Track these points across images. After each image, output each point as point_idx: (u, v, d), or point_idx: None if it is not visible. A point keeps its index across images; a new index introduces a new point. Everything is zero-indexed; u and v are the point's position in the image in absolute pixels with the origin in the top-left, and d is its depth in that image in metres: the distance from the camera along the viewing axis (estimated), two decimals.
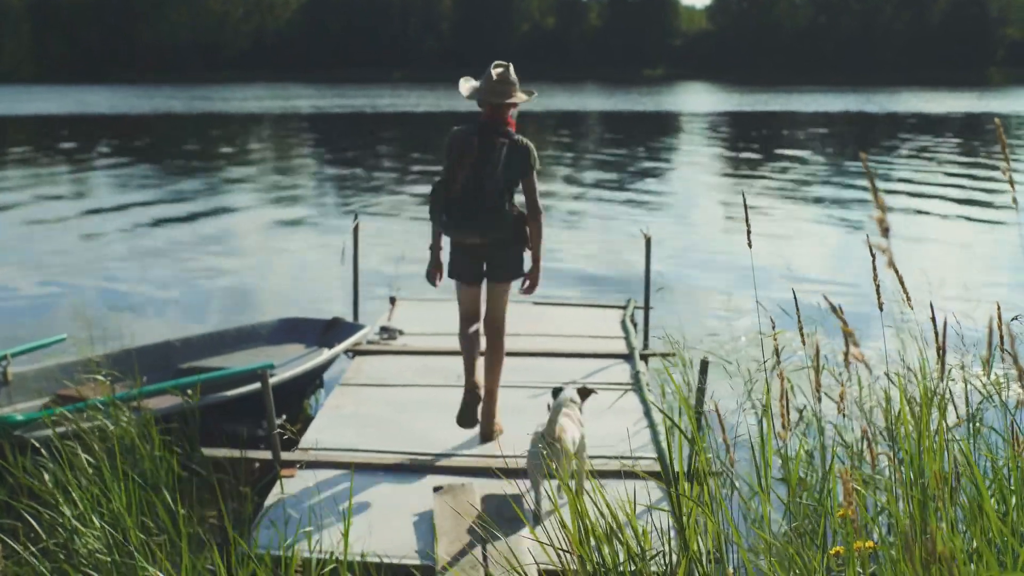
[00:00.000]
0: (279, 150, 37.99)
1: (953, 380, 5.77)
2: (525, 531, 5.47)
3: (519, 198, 7.00)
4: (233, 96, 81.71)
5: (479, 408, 7.02)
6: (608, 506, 4.05)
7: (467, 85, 7.14)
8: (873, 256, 3.26)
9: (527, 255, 7.04)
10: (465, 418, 6.89)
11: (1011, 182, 3.59)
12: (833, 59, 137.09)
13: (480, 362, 7.10)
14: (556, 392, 6.38)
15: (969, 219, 19.86)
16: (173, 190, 24.96)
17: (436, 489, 6.14)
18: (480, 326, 7.22)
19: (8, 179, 27.37)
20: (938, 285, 11.79)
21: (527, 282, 7.06)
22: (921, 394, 4.65)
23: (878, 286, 3.58)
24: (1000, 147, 3.45)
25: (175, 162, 32.73)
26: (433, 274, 7.15)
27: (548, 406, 6.09)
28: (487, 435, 7.16)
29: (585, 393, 6.42)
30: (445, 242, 7.15)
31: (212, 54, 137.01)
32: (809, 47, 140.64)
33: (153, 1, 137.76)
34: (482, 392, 6.99)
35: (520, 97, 7.05)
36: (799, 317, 4.21)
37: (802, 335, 4.26)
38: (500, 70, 6.98)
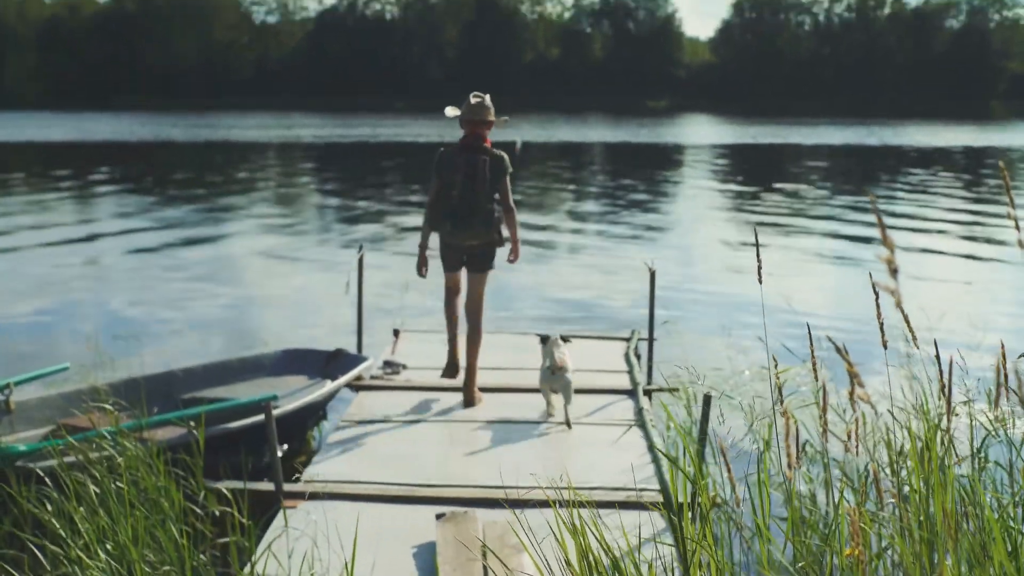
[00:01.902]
0: (283, 179, 38.05)
1: (957, 415, 5.77)
2: (527, 561, 5.47)
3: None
4: (237, 124, 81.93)
5: (458, 361, 8.95)
6: (604, 541, 4.05)
7: (452, 111, 8.83)
8: (876, 295, 3.27)
9: (499, 251, 8.78)
10: (449, 373, 9.00)
11: (1016, 225, 3.60)
12: (836, 90, 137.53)
13: (460, 341, 8.98)
14: (544, 339, 8.71)
15: (971, 255, 19.85)
16: (177, 219, 25.00)
17: (439, 518, 6.14)
18: (461, 310, 8.94)
19: (12, 206, 27.42)
20: (938, 320, 11.80)
21: (512, 256, 8.89)
22: (926, 431, 4.65)
23: (882, 324, 3.59)
24: (1004, 188, 3.46)
25: (179, 190, 32.78)
26: (421, 268, 8.83)
27: (542, 351, 8.57)
28: (469, 402, 8.69)
29: (565, 339, 8.75)
30: (432, 241, 8.74)
31: (216, 81, 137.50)
32: (812, 78, 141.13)
33: (158, 28, 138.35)
34: (461, 366, 8.88)
35: (493, 118, 8.68)
36: (812, 353, 4.21)
37: (815, 371, 4.26)
38: (477, 99, 8.65)
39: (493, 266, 8.79)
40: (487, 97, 8.69)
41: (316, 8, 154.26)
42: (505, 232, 8.75)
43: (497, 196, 8.53)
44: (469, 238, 8.50)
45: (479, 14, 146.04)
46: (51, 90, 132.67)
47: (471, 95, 8.66)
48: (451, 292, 8.93)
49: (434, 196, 8.54)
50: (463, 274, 8.87)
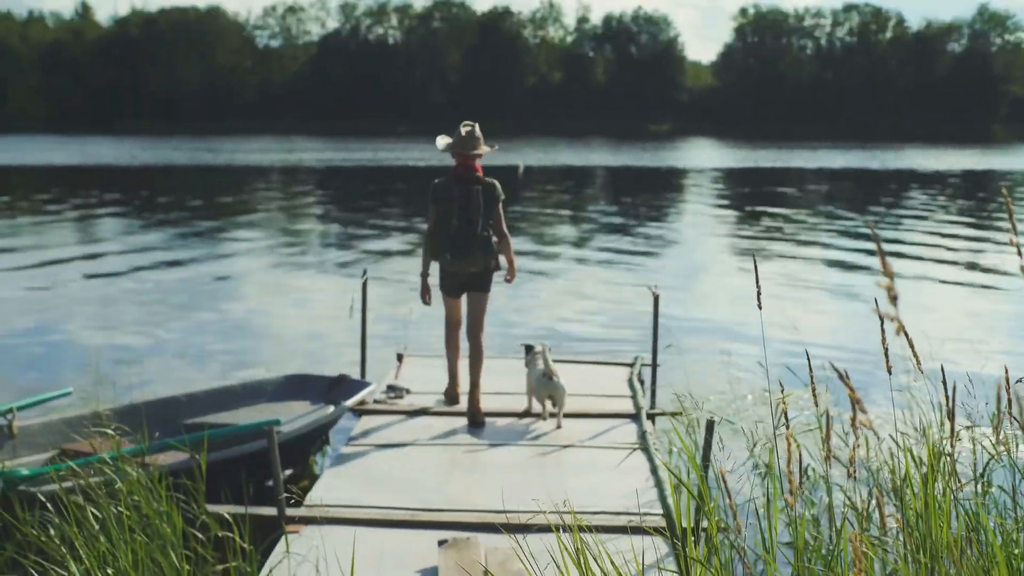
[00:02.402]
0: (286, 203, 38.11)
1: (959, 439, 5.76)
2: None
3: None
4: (239, 148, 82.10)
5: (458, 390, 9.43)
6: (612, 562, 4.04)
7: (443, 141, 9.07)
8: (881, 321, 3.27)
9: (495, 275, 9.13)
10: (450, 401, 9.44)
11: (1019, 251, 3.61)
12: (838, 114, 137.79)
13: (462, 369, 9.49)
14: (529, 348, 9.44)
15: (973, 280, 19.85)
16: (180, 243, 25.04)
17: (441, 543, 6.13)
18: (463, 332, 9.27)
19: (15, 229, 27.47)
20: (940, 345, 11.80)
21: (509, 276, 9.28)
22: (929, 455, 4.65)
23: (886, 350, 3.59)
24: (1007, 213, 3.47)
25: (182, 215, 32.83)
26: (424, 296, 9.19)
27: (526, 359, 9.32)
28: (475, 420, 8.92)
29: (548, 348, 9.25)
30: (432, 268, 9.08)
31: (219, 105, 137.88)
32: (814, 102, 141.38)
33: (161, 52, 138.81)
34: (462, 398, 9.34)
35: (484, 150, 8.95)
36: (812, 380, 4.21)
37: (815, 397, 4.26)
38: (468, 128, 8.89)
39: (490, 287, 9.11)
40: (477, 127, 8.96)
41: (319, 32, 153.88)
42: (502, 258, 9.13)
43: (492, 222, 8.89)
44: (468, 266, 8.82)
45: (482, 38, 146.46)
46: (54, 113, 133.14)
47: (462, 125, 8.95)
48: (451, 324, 9.28)
49: (432, 226, 8.85)
50: (463, 300, 9.20)
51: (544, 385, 8.81)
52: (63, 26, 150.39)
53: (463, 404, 9.34)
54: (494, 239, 8.85)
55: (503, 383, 10.10)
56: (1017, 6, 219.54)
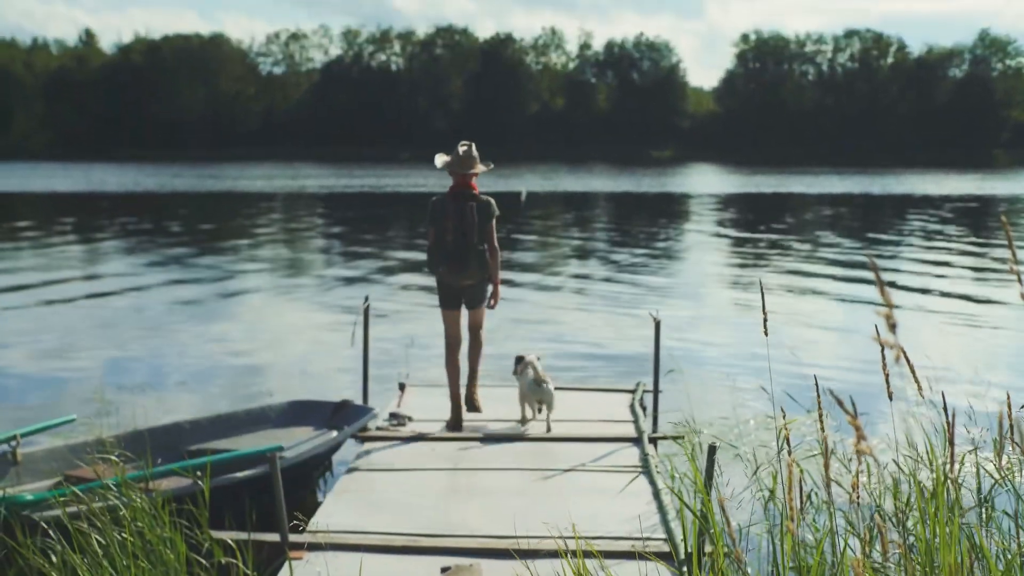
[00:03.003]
0: (288, 230, 38.18)
1: (963, 464, 5.76)
2: None
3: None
4: (242, 175, 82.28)
5: (461, 416, 9.62)
6: None
7: (441, 159, 9.61)
8: (882, 348, 3.29)
9: (489, 287, 9.58)
10: (452, 427, 9.55)
11: (1019, 278, 3.62)
12: (839, 139, 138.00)
13: (460, 386, 9.67)
14: (519, 359, 9.74)
15: (974, 305, 19.85)
16: (182, 270, 25.08)
17: (444, 570, 6.13)
18: (464, 347, 9.74)
19: (18, 257, 27.52)
20: (942, 370, 11.80)
21: (492, 301, 9.64)
22: (935, 481, 4.65)
23: (887, 376, 3.61)
24: (1007, 240, 3.49)
25: (185, 241, 32.90)
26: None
27: (515, 369, 9.71)
28: (472, 406, 9.67)
29: (539, 358, 9.77)
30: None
31: (222, 132, 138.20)
32: (816, 127, 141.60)
33: (165, 79, 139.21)
34: (464, 410, 9.64)
35: (480, 168, 9.48)
36: (819, 405, 4.22)
37: (821, 423, 4.27)
38: (465, 148, 9.47)
39: (486, 298, 9.62)
40: (473, 146, 9.53)
41: (322, 59, 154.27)
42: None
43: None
44: (465, 278, 9.37)
45: (484, 65, 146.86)
46: (58, 140, 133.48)
47: (459, 144, 9.54)
48: (451, 342, 9.72)
49: (432, 242, 9.40)
50: (462, 313, 9.70)
51: (535, 391, 9.42)
52: (67, 53, 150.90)
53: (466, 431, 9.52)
54: (485, 256, 9.38)
55: (505, 410, 10.11)
56: (1018, 31, 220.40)
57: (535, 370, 9.50)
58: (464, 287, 9.46)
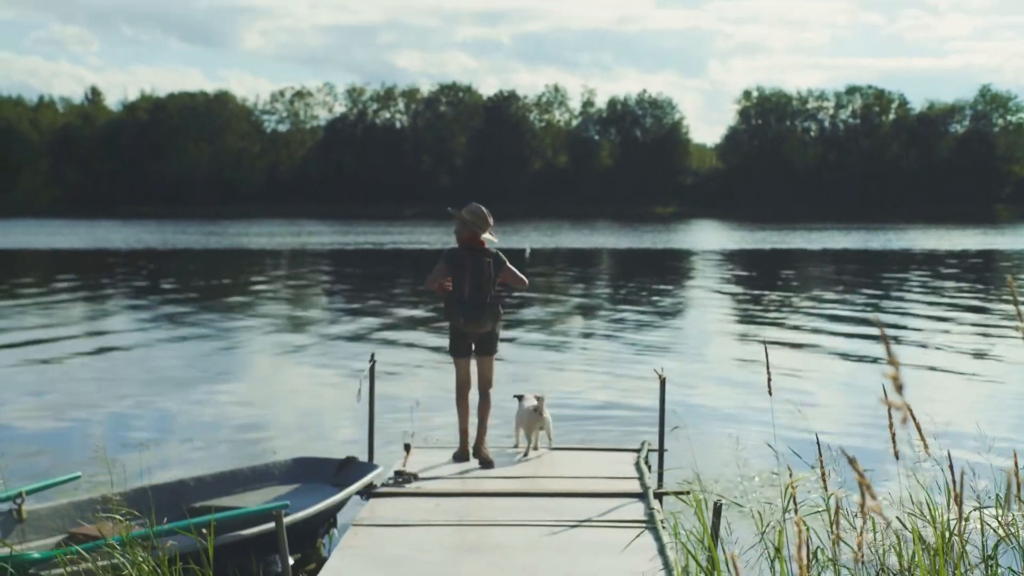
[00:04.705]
0: (293, 286, 38.27)
1: (966, 520, 5.76)
2: None
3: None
4: (246, 232, 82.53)
5: (468, 447, 10.44)
6: None
7: (468, 213, 10.32)
8: (889, 408, 3.31)
9: (499, 335, 10.55)
10: (459, 458, 10.43)
11: None
12: (842, 195, 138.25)
13: (471, 428, 10.43)
14: (520, 397, 10.82)
15: (978, 361, 19.84)
16: (186, 326, 25.12)
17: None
18: (473, 392, 10.48)
19: (23, 313, 27.57)
20: (946, 427, 11.80)
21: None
22: (936, 538, 4.66)
23: (894, 435, 3.63)
24: (1012, 301, 3.53)
25: (189, 298, 32.98)
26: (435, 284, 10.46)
27: (519, 406, 10.74)
28: (479, 454, 10.31)
29: (540, 397, 10.60)
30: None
31: (227, 189, 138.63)
32: (818, 184, 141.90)
33: (170, 137, 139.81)
34: (471, 452, 10.37)
35: (491, 236, 10.33)
36: (821, 463, 4.24)
37: (824, 481, 4.29)
38: (480, 209, 10.35)
39: (496, 349, 10.48)
40: (484, 208, 10.45)
41: (326, 117, 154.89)
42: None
43: (499, 288, 10.43)
44: (479, 327, 10.19)
45: (487, 123, 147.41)
46: (64, 197, 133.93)
47: (472, 204, 10.49)
48: (462, 385, 10.48)
49: (447, 293, 10.22)
50: (472, 361, 10.48)
51: (533, 418, 10.48)
52: (73, 111, 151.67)
53: (470, 486, 9.62)
54: (498, 304, 10.33)
55: (513, 469, 10.13)
56: (1019, 87, 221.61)
57: (539, 400, 10.51)
58: (478, 335, 10.28)
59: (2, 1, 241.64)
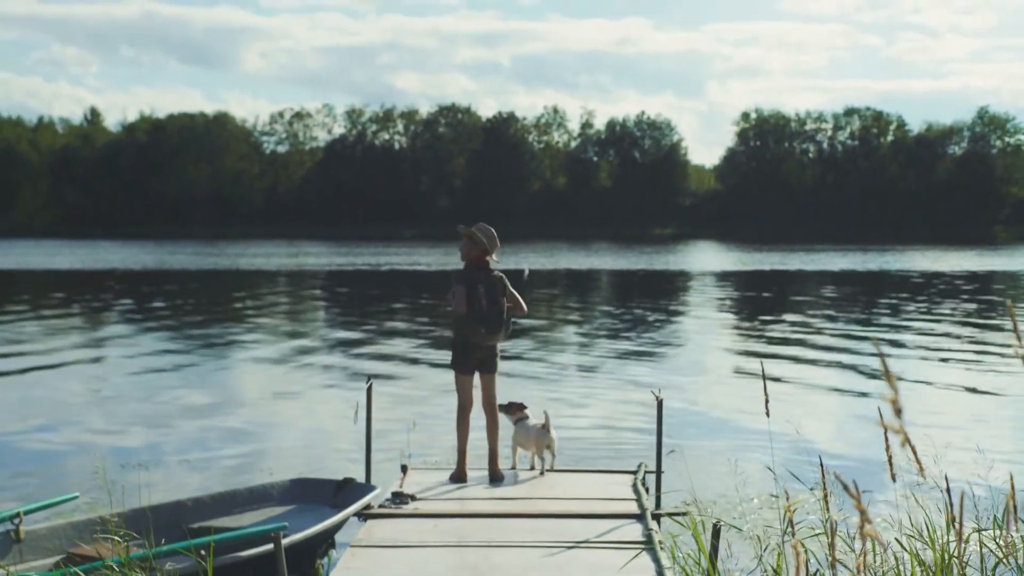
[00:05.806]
0: (291, 307, 38.28)
1: (966, 543, 5.76)
2: None
3: None
4: (245, 252, 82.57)
5: (466, 470, 10.59)
6: None
7: (480, 235, 10.53)
8: (885, 431, 3.32)
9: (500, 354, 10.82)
10: (457, 479, 10.50)
11: None
12: (840, 216, 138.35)
13: (474, 447, 10.66)
14: (510, 405, 11.04)
15: (975, 383, 19.84)
16: (184, 347, 25.13)
17: None
18: (475, 413, 10.63)
19: (22, 334, 27.57)
20: (944, 448, 11.79)
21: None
22: (935, 560, 4.66)
23: (890, 457, 3.63)
24: (1011, 325, 3.54)
25: (187, 318, 32.98)
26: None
27: (521, 425, 10.86)
28: (494, 476, 10.51)
29: (546, 418, 10.67)
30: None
31: (226, 210, 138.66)
32: (816, 205, 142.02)
33: (169, 158, 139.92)
34: (467, 476, 10.53)
35: (493, 256, 10.60)
36: (824, 485, 4.25)
37: (826, 503, 4.29)
38: (489, 231, 10.61)
39: (497, 368, 10.72)
40: (489, 227, 10.76)
41: (325, 138, 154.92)
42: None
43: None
44: (496, 339, 10.48)
45: (486, 144, 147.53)
46: (63, 218, 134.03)
47: (481, 224, 10.77)
48: (464, 405, 10.61)
49: (465, 309, 10.35)
50: (475, 379, 10.64)
51: (540, 436, 10.60)
52: (72, 132, 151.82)
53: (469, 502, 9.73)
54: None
55: (510, 490, 10.13)
56: (1017, 109, 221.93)
57: (546, 418, 10.61)
58: (487, 348, 10.49)
59: (2, 22, 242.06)
